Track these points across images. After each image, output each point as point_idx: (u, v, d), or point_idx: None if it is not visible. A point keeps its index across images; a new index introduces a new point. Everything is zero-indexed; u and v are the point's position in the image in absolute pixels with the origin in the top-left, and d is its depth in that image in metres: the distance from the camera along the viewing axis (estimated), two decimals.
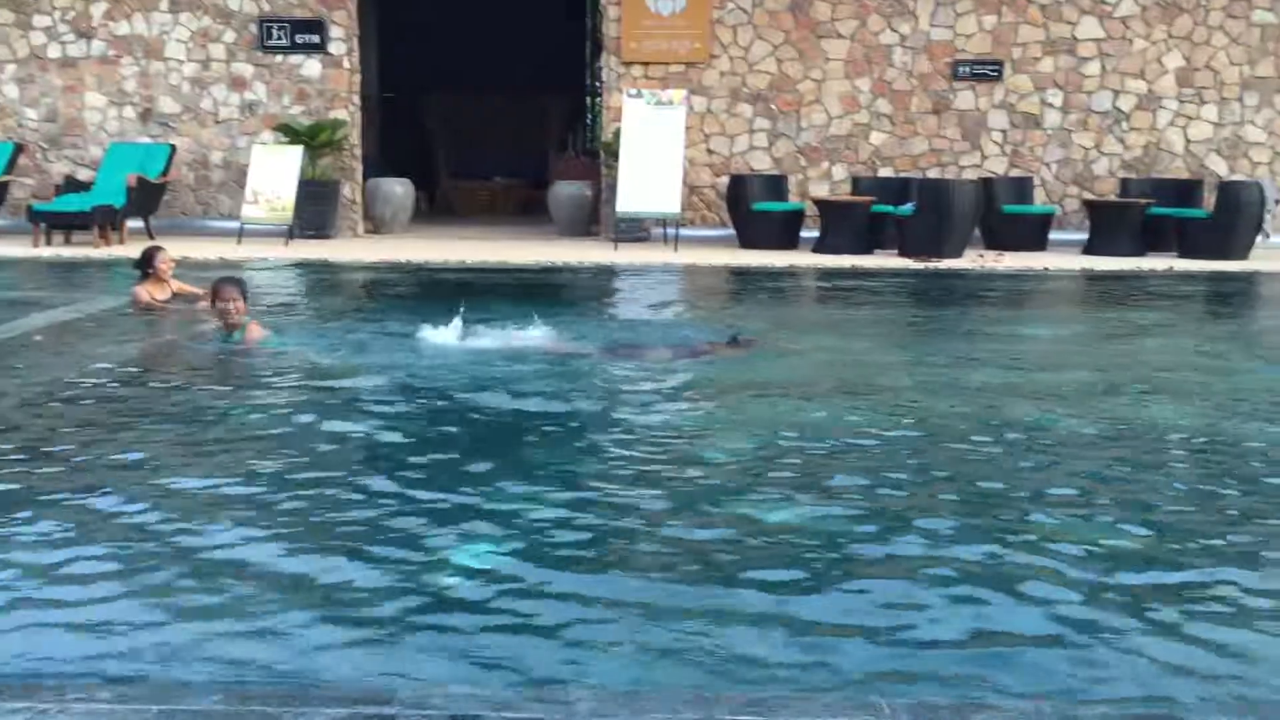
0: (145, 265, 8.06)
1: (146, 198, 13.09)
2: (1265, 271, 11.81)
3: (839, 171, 14.14)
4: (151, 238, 12.50)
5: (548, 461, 4.44)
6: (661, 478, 4.25)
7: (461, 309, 6.76)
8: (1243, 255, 12.51)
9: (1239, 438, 4.99)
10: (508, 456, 4.52)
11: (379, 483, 4.14)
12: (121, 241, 12.47)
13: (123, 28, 14.02)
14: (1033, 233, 13.37)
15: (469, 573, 3.26)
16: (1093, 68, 14.00)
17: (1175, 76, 13.99)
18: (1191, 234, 12.74)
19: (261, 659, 2.72)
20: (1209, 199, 13.17)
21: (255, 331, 6.75)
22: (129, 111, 14.11)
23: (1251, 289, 11.36)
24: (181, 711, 2.34)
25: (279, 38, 13.91)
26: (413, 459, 4.49)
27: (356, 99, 14.28)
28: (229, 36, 14.00)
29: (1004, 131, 14.10)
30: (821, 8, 13.98)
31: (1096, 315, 9.50)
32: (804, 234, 13.35)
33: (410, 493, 3.99)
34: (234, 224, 13.21)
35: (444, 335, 6.67)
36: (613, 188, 13.40)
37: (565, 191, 14.77)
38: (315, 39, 13.93)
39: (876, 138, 14.13)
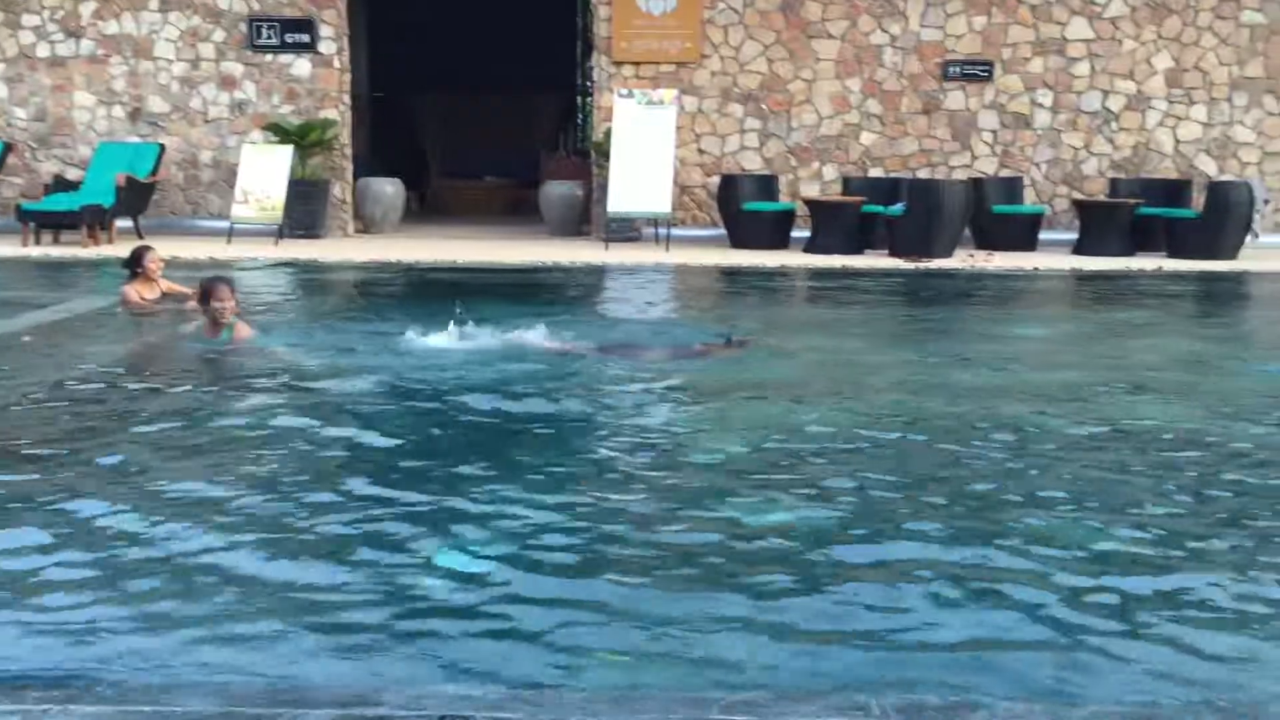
0: (134, 265, 8.03)
1: (135, 197, 13.05)
2: (1254, 271, 11.85)
3: (830, 171, 14.15)
4: (140, 237, 12.46)
5: (537, 464, 4.43)
6: (652, 480, 4.24)
7: (458, 309, 6.74)
8: (1231, 255, 12.55)
9: (1227, 438, 5.01)
10: (497, 459, 4.51)
11: (366, 486, 4.12)
12: (110, 241, 12.43)
13: (112, 27, 13.97)
14: (1022, 233, 13.40)
15: (456, 577, 3.25)
16: (1082, 68, 14.03)
17: (1164, 77, 14.02)
18: (1180, 234, 12.78)
19: (246, 665, 2.71)
20: (1198, 199, 13.20)
21: (243, 331, 6.71)
22: (118, 111, 14.07)
23: (1240, 289, 11.40)
24: (174, 713, 2.33)
25: (269, 37, 13.88)
26: (401, 462, 4.48)
27: (347, 98, 14.26)
28: (218, 36, 13.96)
29: (994, 132, 14.13)
30: (812, 8, 13.99)
31: (1086, 315, 9.53)
32: (795, 234, 13.36)
33: (398, 495, 3.98)
34: (223, 224, 13.17)
35: (435, 335, 6.66)
36: (604, 187, 13.40)
37: (556, 191, 14.76)
38: (305, 38, 13.90)
39: (867, 138, 14.15)
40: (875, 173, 14.02)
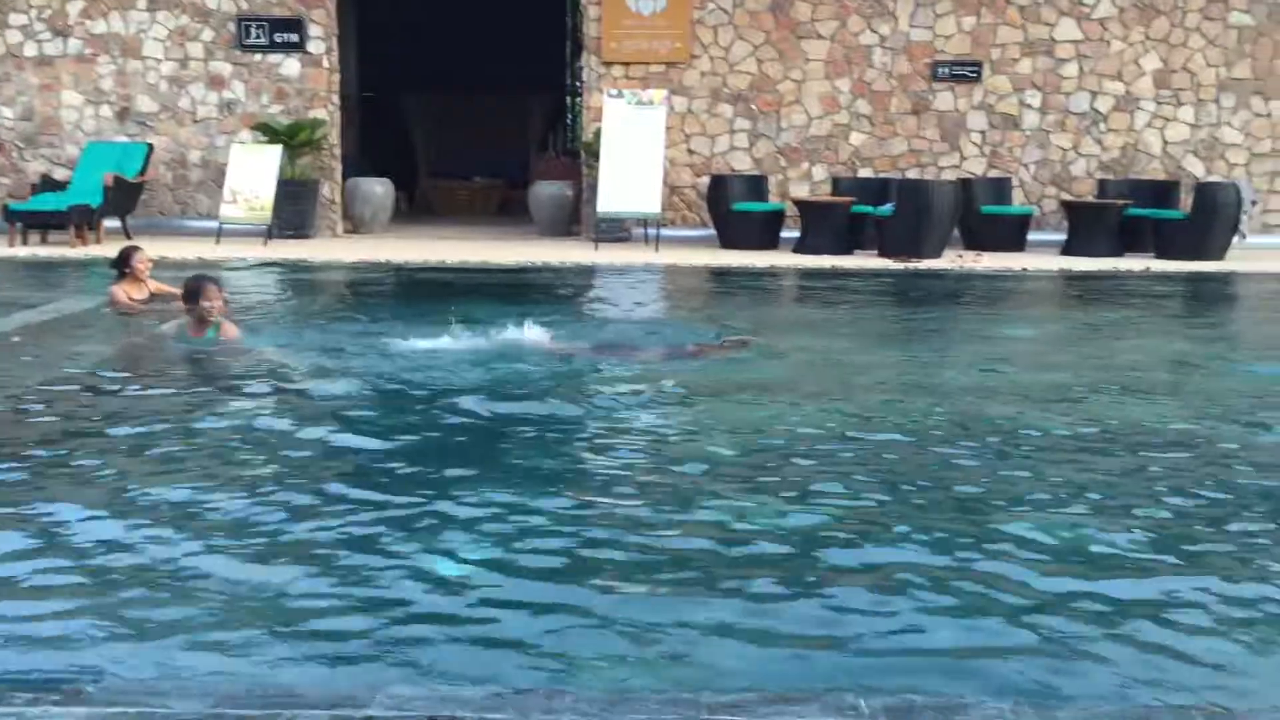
0: (122, 265, 7.99)
1: (124, 197, 13.01)
2: (1241, 272, 11.89)
3: (819, 172, 14.17)
4: (129, 237, 12.42)
5: (527, 466, 4.43)
6: (641, 483, 4.24)
7: (452, 309, 6.73)
8: (1219, 256, 12.59)
9: (1215, 438, 5.02)
10: (487, 461, 4.50)
11: (353, 489, 4.10)
12: (98, 241, 12.39)
13: (99, 26, 13.92)
14: (1011, 233, 13.43)
15: (444, 581, 3.24)
16: (1071, 69, 14.06)
17: (1152, 78, 14.07)
18: (1168, 235, 12.82)
19: (231, 669, 2.70)
20: (1186, 200, 13.25)
21: (230, 331, 6.66)
22: (106, 110, 14.02)
23: (1227, 290, 11.44)
24: (162, 714, 2.33)
25: (257, 36, 13.84)
26: (389, 464, 4.46)
27: (336, 98, 14.22)
28: (207, 35, 13.92)
29: (983, 132, 14.15)
30: (802, 8, 14.00)
31: (1074, 316, 9.55)
32: (784, 234, 13.37)
33: (386, 499, 3.97)
34: (212, 224, 13.13)
35: (425, 336, 6.65)
36: (593, 188, 13.39)
37: (546, 191, 14.75)
38: (294, 38, 13.87)
39: (856, 138, 14.17)
40: (865, 173, 14.04)
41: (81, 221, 12.31)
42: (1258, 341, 8.72)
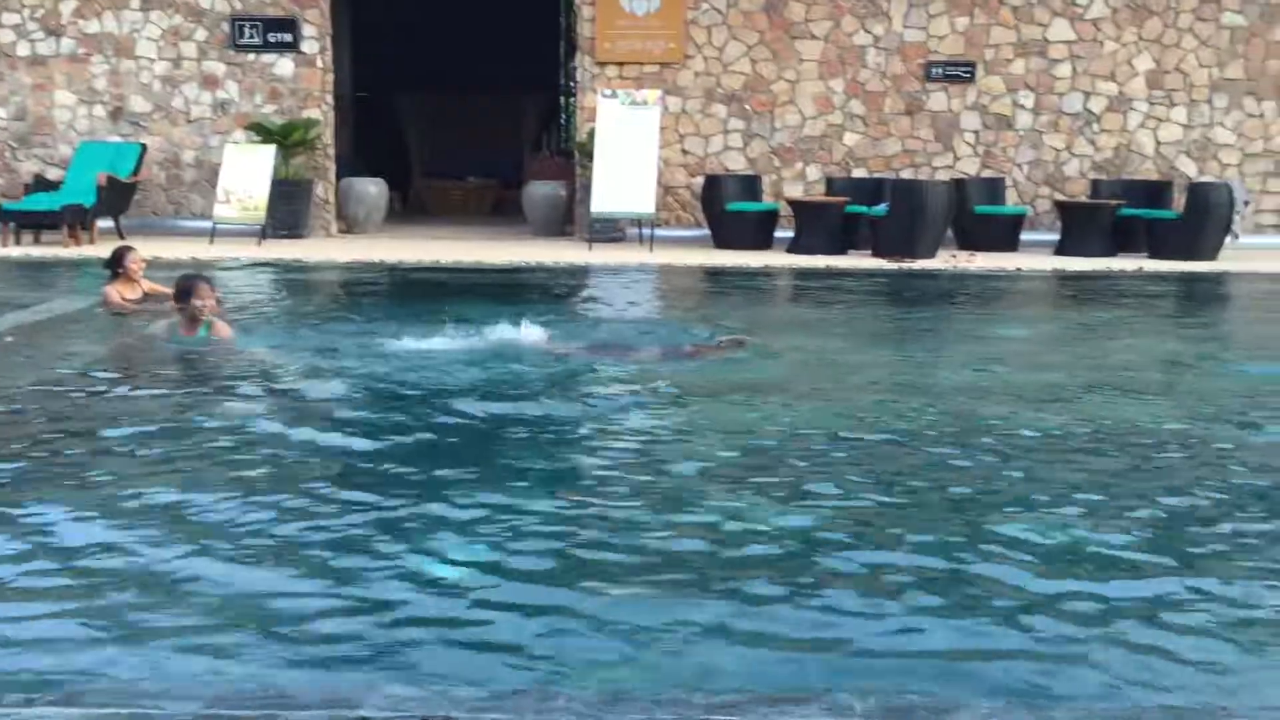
0: (115, 265, 7.98)
1: (117, 197, 12.98)
2: (1234, 272, 11.92)
3: (813, 172, 14.18)
4: (122, 237, 12.40)
5: (520, 467, 4.42)
6: (636, 484, 4.24)
7: (446, 309, 6.72)
8: (1211, 256, 12.62)
9: (1207, 438, 5.03)
10: (481, 462, 4.50)
11: (346, 491, 4.09)
12: (92, 241, 12.37)
13: (93, 25, 13.90)
14: (1004, 233, 13.45)
15: (437, 583, 3.24)
16: (1064, 69, 14.09)
17: (1145, 79, 14.09)
18: (1161, 235, 12.85)
19: (223, 672, 2.69)
20: (1179, 200, 13.27)
21: (222, 330, 6.64)
22: (99, 110, 14.00)
23: (1220, 290, 11.47)
24: (159, 717, 2.32)
25: (251, 36, 13.83)
26: (383, 465, 4.46)
27: (329, 98, 14.21)
28: (200, 35, 13.90)
29: (976, 133, 14.17)
30: (796, 9, 14.01)
31: (1067, 316, 9.57)
32: (778, 234, 13.38)
33: (379, 500, 3.96)
34: (206, 224, 13.11)
35: (419, 336, 6.64)
36: (587, 188, 13.39)
37: (540, 191, 14.74)
38: (288, 38, 13.85)
39: (850, 138, 14.18)
40: (858, 173, 14.06)
41: (75, 221, 12.29)
42: (1250, 341, 8.73)
